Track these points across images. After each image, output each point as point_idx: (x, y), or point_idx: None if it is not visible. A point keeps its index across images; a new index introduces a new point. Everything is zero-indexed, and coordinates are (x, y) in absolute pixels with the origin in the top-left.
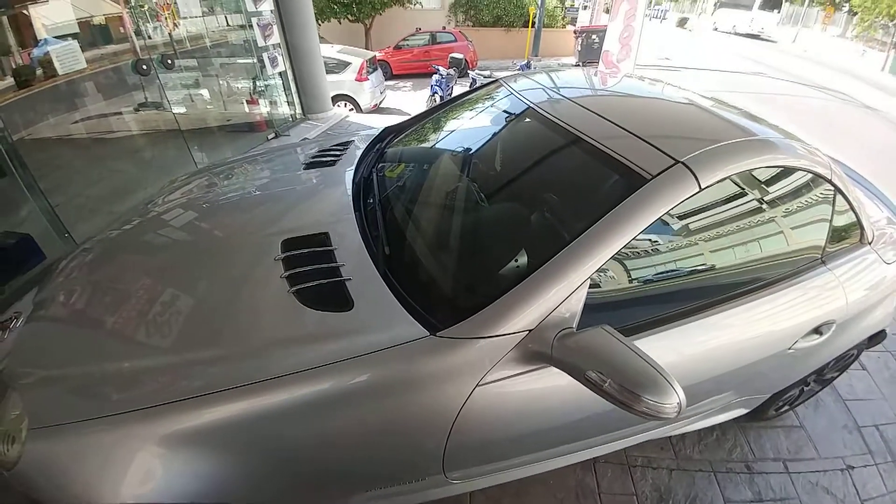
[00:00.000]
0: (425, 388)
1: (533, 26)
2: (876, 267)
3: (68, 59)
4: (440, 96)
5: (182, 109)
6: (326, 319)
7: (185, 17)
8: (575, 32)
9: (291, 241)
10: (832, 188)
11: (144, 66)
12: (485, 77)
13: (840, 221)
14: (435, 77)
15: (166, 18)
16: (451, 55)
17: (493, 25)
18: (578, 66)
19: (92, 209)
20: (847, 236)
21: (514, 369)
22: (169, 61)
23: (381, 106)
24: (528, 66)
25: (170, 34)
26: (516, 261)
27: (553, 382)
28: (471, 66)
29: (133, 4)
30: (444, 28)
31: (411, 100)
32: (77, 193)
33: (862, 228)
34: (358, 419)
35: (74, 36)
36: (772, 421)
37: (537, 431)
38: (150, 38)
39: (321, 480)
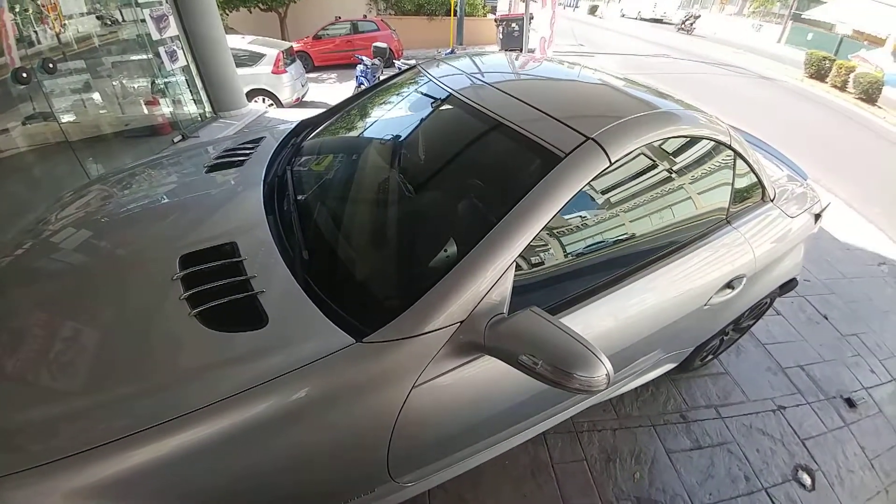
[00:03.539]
0: (358, 398)
1: (455, 15)
2: (780, 221)
3: None
4: (367, 87)
5: (72, 117)
6: (237, 340)
7: (71, 17)
8: (496, 21)
9: (191, 255)
10: (732, 153)
11: (24, 74)
12: (409, 67)
13: (741, 183)
14: (360, 67)
15: (52, 20)
16: (374, 44)
17: (416, 14)
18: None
19: None
20: (749, 196)
21: (450, 364)
22: (50, 65)
23: (305, 99)
24: (452, 54)
25: (57, 36)
26: (445, 251)
27: (492, 370)
28: (396, 55)
29: (18, 10)
30: (365, 17)
31: (337, 92)
32: None
33: (763, 188)
34: (290, 442)
35: None
36: (698, 370)
37: (484, 421)
38: (38, 42)
39: None
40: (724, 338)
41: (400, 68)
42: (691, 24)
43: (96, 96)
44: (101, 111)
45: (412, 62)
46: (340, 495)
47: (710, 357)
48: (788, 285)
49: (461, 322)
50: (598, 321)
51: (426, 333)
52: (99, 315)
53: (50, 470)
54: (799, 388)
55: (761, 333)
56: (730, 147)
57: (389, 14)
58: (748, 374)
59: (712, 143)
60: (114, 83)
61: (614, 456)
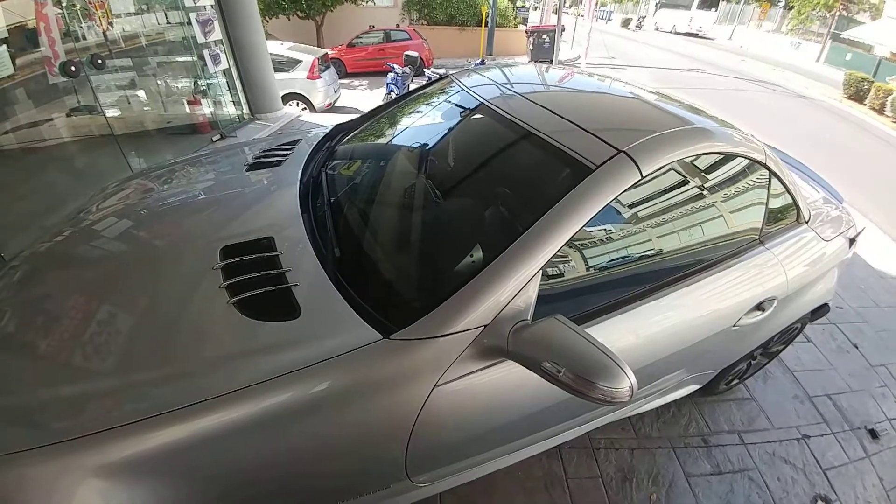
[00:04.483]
0: (381, 393)
1: (486, 26)
2: (814, 244)
3: None
4: (396, 95)
5: (117, 112)
6: (271, 330)
7: (119, 16)
8: (526, 32)
9: (231, 247)
10: (767, 172)
11: (73, 68)
12: (440, 76)
13: (776, 203)
14: (390, 75)
15: (100, 17)
16: (406, 53)
17: (447, 24)
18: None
19: (22, 225)
20: (784, 217)
21: (472, 366)
22: (99, 61)
23: (336, 105)
24: (482, 64)
25: (104, 33)
26: (471, 256)
27: (512, 376)
28: (427, 64)
29: (66, 4)
30: (398, 26)
31: (367, 98)
32: (6, 209)
33: (798, 209)
34: (312, 432)
35: (4, 41)
36: (723, 395)
37: (501, 426)
38: (84, 38)
39: (280, 498)
40: (752, 362)
41: (430, 77)
42: (638, 25)
43: (141, 93)
44: (145, 108)
45: (442, 71)
46: (356, 488)
47: (735, 381)
48: (820, 311)
49: (485, 326)
50: (619, 336)
51: (451, 334)
52: (138, 299)
53: (81, 445)
54: (825, 417)
55: (790, 360)
56: (765, 166)
57: (422, 24)
58: (775, 401)
59: (747, 161)
60: (158, 82)
61: (631, 475)
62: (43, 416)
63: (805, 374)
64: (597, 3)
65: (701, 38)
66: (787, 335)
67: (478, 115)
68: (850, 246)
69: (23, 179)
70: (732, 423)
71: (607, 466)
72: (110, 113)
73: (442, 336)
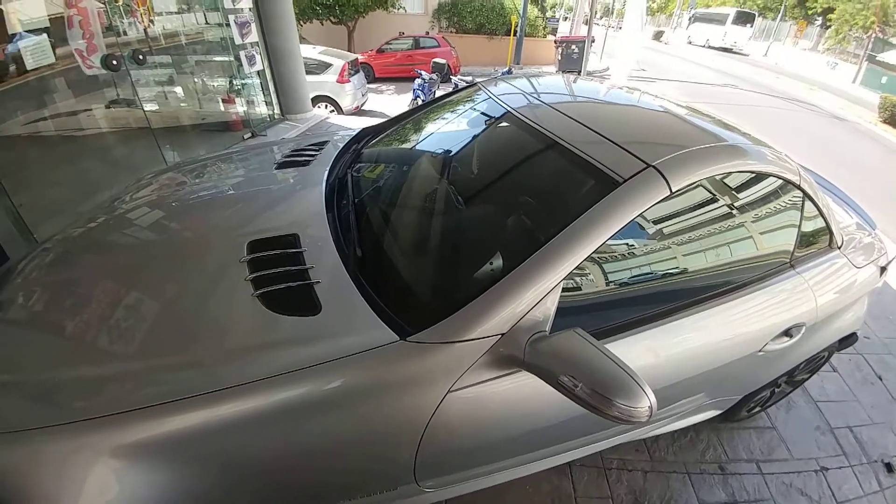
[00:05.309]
0: (395, 394)
1: (515, 35)
2: (846, 271)
3: (38, 53)
4: (422, 100)
5: (154, 107)
6: (291, 324)
7: (160, 14)
8: (555, 42)
9: (258, 242)
10: (801, 194)
11: (114, 62)
12: (466, 83)
13: (809, 227)
14: (417, 81)
15: (141, 14)
16: (433, 60)
17: (476, 33)
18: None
19: (57, 210)
20: (816, 241)
21: (486, 374)
22: (140, 56)
23: (363, 108)
24: (509, 73)
25: (145, 30)
26: (491, 264)
27: (526, 387)
28: (454, 72)
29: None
30: (427, 33)
31: (394, 103)
32: (42, 193)
33: (831, 233)
34: (324, 428)
35: (45, 30)
36: (744, 422)
37: (512, 437)
38: (125, 34)
39: (289, 492)
40: (776, 389)
41: (456, 84)
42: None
43: (178, 90)
44: (181, 104)
45: (469, 79)
46: (365, 487)
47: (757, 409)
48: (848, 340)
49: (502, 335)
50: (638, 354)
51: (467, 341)
52: (165, 287)
53: (99, 425)
54: (844, 450)
55: (815, 390)
56: (799, 187)
57: (451, 32)
58: (796, 431)
59: (780, 181)
60: (195, 79)
61: (643, 499)
62: (63, 394)
63: (828, 405)
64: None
65: (735, 53)
66: (814, 363)
67: (504, 124)
68: (881, 274)
69: (60, 166)
70: (751, 452)
71: (618, 487)
72: (147, 107)
73: (458, 342)
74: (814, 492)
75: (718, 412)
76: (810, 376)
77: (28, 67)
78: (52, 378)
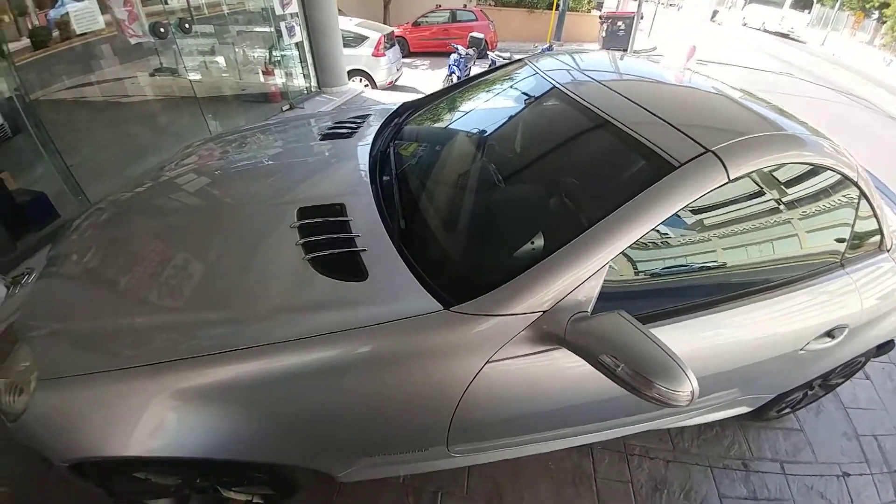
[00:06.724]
0: (436, 361)
1: (557, 9)
2: (891, 275)
3: (86, 19)
4: (457, 77)
5: (197, 76)
6: (340, 288)
7: None
8: (601, 18)
9: (307, 209)
10: (857, 191)
11: (162, 29)
12: (504, 59)
13: (862, 227)
14: (453, 56)
15: None
16: (470, 34)
17: (517, 6)
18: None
19: (106, 171)
20: (866, 242)
21: (524, 349)
22: (186, 25)
23: (397, 83)
24: (550, 49)
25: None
26: (532, 242)
27: (562, 365)
28: (491, 47)
29: None
30: (465, 6)
31: (428, 78)
32: (91, 155)
33: (882, 235)
34: (367, 388)
35: None
36: (772, 422)
37: (543, 412)
38: (167, 2)
39: (328, 443)
40: (809, 392)
41: (493, 61)
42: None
43: (220, 59)
44: (223, 74)
45: (506, 55)
46: (399, 445)
47: (787, 410)
48: (885, 347)
49: (544, 312)
50: (676, 343)
51: (510, 315)
52: (221, 247)
53: (165, 369)
54: (867, 457)
55: (846, 396)
56: (856, 184)
57: (489, 5)
58: (823, 436)
59: (836, 177)
60: (236, 50)
61: (662, 486)
62: (116, 343)
63: (857, 412)
64: None
65: (792, 39)
66: (850, 368)
67: (553, 101)
68: None
69: (108, 130)
70: (776, 452)
71: (639, 473)
72: (191, 76)
73: (501, 315)
74: (833, 496)
75: (749, 409)
76: (844, 381)
77: (77, 32)
78: (103, 328)
